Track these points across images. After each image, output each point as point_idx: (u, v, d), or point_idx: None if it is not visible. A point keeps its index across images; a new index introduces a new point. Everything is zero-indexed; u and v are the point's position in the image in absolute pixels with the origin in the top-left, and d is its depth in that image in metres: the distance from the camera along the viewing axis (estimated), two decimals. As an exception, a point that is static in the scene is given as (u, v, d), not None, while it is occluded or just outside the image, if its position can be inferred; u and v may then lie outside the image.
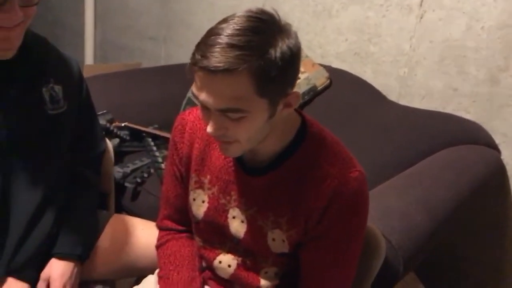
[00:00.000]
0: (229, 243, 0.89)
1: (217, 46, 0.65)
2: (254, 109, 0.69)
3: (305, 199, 0.79)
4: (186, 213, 0.94)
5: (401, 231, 1.00)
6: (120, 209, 1.47)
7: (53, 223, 0.98)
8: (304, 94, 1.70)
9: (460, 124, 1.49)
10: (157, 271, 0.97)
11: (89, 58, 2.89)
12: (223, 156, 0.85)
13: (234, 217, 0.86)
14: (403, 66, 1.69)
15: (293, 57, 0.69)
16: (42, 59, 0.97)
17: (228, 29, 0.66)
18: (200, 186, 0.89)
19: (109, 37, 2.90)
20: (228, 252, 0.90)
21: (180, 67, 2.03)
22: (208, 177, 0.87)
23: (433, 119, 1.50)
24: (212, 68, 0.65)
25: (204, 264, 0.95)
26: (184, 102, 1.91)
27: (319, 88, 1.71)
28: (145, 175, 1.55)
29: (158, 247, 0.98)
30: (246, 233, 0.85)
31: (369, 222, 0.84)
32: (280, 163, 0.81)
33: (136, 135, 1.73)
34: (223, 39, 0.65)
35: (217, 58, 0.64)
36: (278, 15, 0.71)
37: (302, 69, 1.73)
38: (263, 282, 0.88)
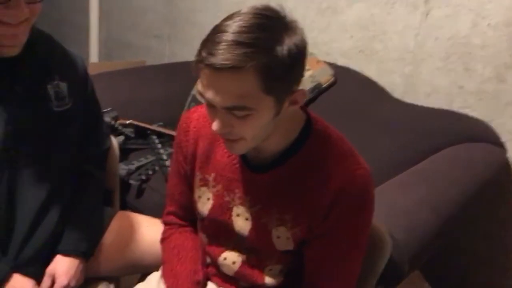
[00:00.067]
0: (234, 240, 0.89)
1: (223, 44, 0.65)
2: (260, 107, 0.69)
3: (310, 196, 0.79)
4: (191, 210, 0.94)
5: (406, 229, 1.00)
6: (124, 206, 1.47)
7: (58, 220, 0.98)
8: (308, 91, 1.69)
9: (466, 122, 1.48)
10: (161, 268, 0.98)
11: (94, 55, 2.89)
12: (227, 154, 0.85)
13: (238, 215, 0.86)
14: (408, 63, 1.68)
15: (300, 54, 0.69)
16: (47, 56, 0.98)
17: (234, 26, 0.66)
18: (205, 184, 0.89)
19: (114, 35, 2.91)
20: (233, 249, 0.90)
21: (184, 64, 2.03)
22: (213, 175, 0.87)
23: (438, 116, 1.49)
24: (219, 66, 0.64)
25: (209, 260, 0.95)
26: (189, 99, 1.91)
27: (323, 86, 1.71)
28: (150, 172, 1.55)
29: (162, 240, 0.99)
30: (251, 230, 0.85)
31: (374, 220, 0.84)
32: (285, 160, 0.80)
33: (141, 133, 1.74)
34: (229, 37, 0.65)
35: (223, 55, 0.64)
36: (284, 11, 0.70)
37: (306, 66, 1.71)
38: (267, 279, 0.88)
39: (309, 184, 0.79)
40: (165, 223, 1.00)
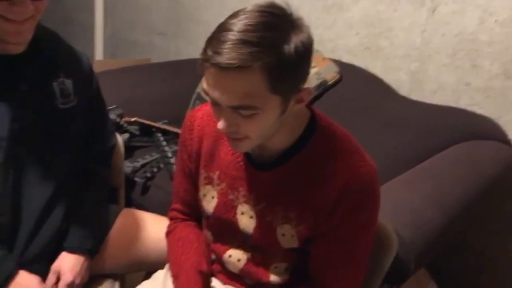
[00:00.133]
0: (239, 238, 0.88)
1: (229, 43, 0.64)
2: (267, 106, 0.68)
3: (315, 193, 0.79)
4: (195, 208, 0.95)
5: (412, 227, 0.99)
6: (129, 204, 1.48)
7: (63, 217, 0.99)
8: (314, 88, 1.68)
9: (472, 119, 1.47)
10: (167, 266, 0.98)
11: (99, 53, 2.90)
12: (231, 152, 0.85)
13: (243, 213, 0.86)
14: (414, 60, 1.67)
15: (306, 52, 0.69)
16: (53, 53, 0.98)
17: (240, 24, 0.65)
18: (210, 182, 0.89)
19: (118, 33, 2.91)
20: (237, 247, 0.90)
21: (189, 62, 2.03)
22: (217, 173, 0.87)
23: (445, 114, 1.48)
24: (225, 65, 0.64)
25: (214, 257, 0.95)
26: (194, 97, 1.91)
27: (329, 83, 1.70)
28: (155, 170, 1.55)
29: (167, 234, 0.99)
30: (255, 228, 0.85)
31: (380, 217, 0.84)
32: (289, 158, 0.80)
33: (146, 130, 1.74)
34: (235, 35, 0.64)
35: (229, 54, 0.63)
36: (290, 8, 0.69)
37: (312, 63, 1.71)
38: (272, 277, 0.88)
39: (314, 181, 0.79)
40: (170, 218, 1.01)
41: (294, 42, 0.66)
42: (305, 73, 0.72)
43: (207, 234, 0.94)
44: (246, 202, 0.85)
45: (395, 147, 1.40)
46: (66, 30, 3.06)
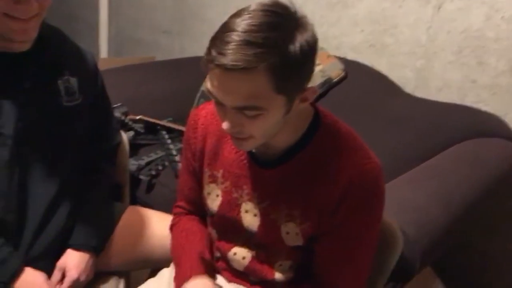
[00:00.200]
0: (243, 237, 0.88)
1: (234, 43, 0.63)
2: (271, 106, 0.68)
3: (319, 191, 0.78)
4: (200, 206, 0.95)
5: (417, 225, 0.99)
6: (134, 201, 1.48)
7: (68, 215, 0.99)
8: (318, 86, 1.68)
9: (478, 117, 1.46)
10: (172, 264, 0.98)
11: (103, 51, 2.91)
12: (235, 150, 0.85)
13: (247, 211, 0.86)
14: (420, 57, 1.66)
15: (311, 51, 0.68)
16: (58, 51, 0.98)
17: (244, 24, 0.64)
18: (214, 180, 0.89)
19: (123, 31, 2.92)
20: (242, 245, 0.89)
21: (194, 60, 2.03)
22: (221, 171, 0.87)
23: (450, 111, 1.47)
24: (230, 67, 0.63)
25: (218, 254, 0.95)
26: (198, 95, 1.91)
27: (334, 80, 1.69)
28: (160, 167, 1.56)
29: (171, 227, 0.99)
30: (260, 226, 0.85)
31: (385, 216, 0.83)
32: (293, 156, 0.80)
33: (151, 128, 1.74)
34: (239, 36, 0.63)
35: (234, 55, 0.63)
36: (294, 6, 0.69)
37: (317, 61, 1.70)
38: (277, 275, 0.88)
39: (318, 179, 0.78)
40: (174, 214, 1.01)
41: (299, 41, 0.65)
42: (310, 72, 0.71)
43: (212, 232, 0.94)
44: (250, 200, 0.85)
45: (401, 144, 1.40)
46: (71, 28, 3.07)
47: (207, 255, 0.92)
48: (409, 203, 1.04)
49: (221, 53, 0.64)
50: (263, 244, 0.87)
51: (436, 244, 1.01)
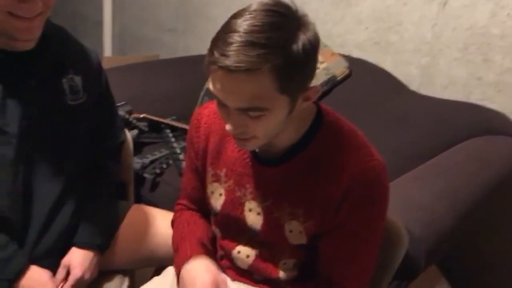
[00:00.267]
0: (247, 235, 0.88)
1: (236, 45, 0.63)
2: (275, 106, 0.68)
3: (322, 189, 0.78)
4: (202, 205, 0.95)
5: (422, 224, 0.98)
6: (139, 200, 1.48)
7: (73, 213, 0.99)
8: (322, 84, 1.67)
9: (484, 114, 1.45)
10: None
11: (107, 50, 2.91)
12: (237, 149, 0.85)
13: (250, 210, 0.86)
14: (425, 55, 1.65)
15: (313, 50, 0.68)
16: (62, 50, 0.98)
17: (246, 25, 0.64)
18: (217, 179, 0.89)
19: (127, 29, 2.92)
20: (246, 243, 0.89)
21: (198, 58, 2.01)
22: (224, 170, 0.87)
23: (456, 108, 1.46)
24: (233, 68, 0.63)
25: (222, 253, 0.95)
26: (202, 93, 1.91)
27: (338, 78, 1.69)
28: (164, 166, 1.56)
29: (173, 222, 0.99)
30: (263, 225, 0.85)
31: (390, 214, 0.83)
32: (296, 154, 0.80)
33: (155, 127, 1.74)
34: (242, 37, 0.63)
35: (237, 57, 0.62)
36: (295, 5, 0.68)
37: (321, 59, 1.70)
38: (281, 273, 0.88)
39: (321, 177, 0.78)
40: (176, 211, 1.01)
41: (301, 41, 0.65)
42: (313, 71, 0.71)
43: (216, 231, 0.94)
44: (253, 199, 0.85)
45: (406, 143, 1.39)
46: (74, 26, 3.09)
47: (206, 241, 0.92)
48: (414, 201, 1.04)
49: (224, 55, 0.63)
50: (267, 243, 0.87)
51: (441, 243, 1.01)
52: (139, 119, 1.72)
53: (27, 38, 0.87)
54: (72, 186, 0.99)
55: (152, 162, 1.57)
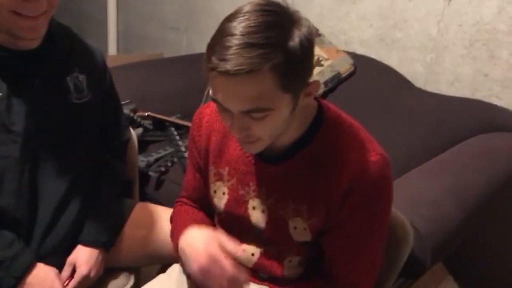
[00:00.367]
0: (252, 233, 0.88)
1: (235, 48, 0.62)
2: (278, 105, 0.68)
3: (325, 185, 0.78)
4: (203, 204, 0.95)
5: (430, 220, 0.98)
6: (144, 198, 1.49)
7: (78, 211, 1.00)
8: (327, 81, 1.67)
9: (490, 111, 1.44)
10: None
11: (112, 48, 2.92)
12: (239, 147, 0.85)
13: (254, 208, 0.85)
14: (430, 51, 1.64)
15: (310, 45, 0.68)
16: (67, 48, 0.98)
17: (241, 27, 0.64)
18: (220, 178, 0.88)
19: (131, 28, 2.92)
20: (251, 242, 0.89)
21: (202, 56, 2.01)
22: (227, 168, 0.87)
23: (462, 105, 1.46)
24: (234, 72, 0.62)
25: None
26: (206, 91, 1.91)
27: (343, 75, 1.68)
28: (169, 164, 1.56)
29: (172, 217, 0.98)
30: (267, 223, 0.85)
31: (397, 210, 0.82)
32: (298, 151, 0.79)
33: (159, 125, 1.74)
34: (239, 39, 0.63)
35: (237, 60, 0.62)
36: (285, 2, 0.69)
37: (326, 56, 1.70)
38: (286, 271, 0.88)
39: (324, 173, 0.78)
40: (175, 207, 1.01)
41: (298, 37, 0.65)
42: (311, 65, 0.71)
43: (220, 230, 0.94)
44: (256, 196, 0.85)
45: (411, 139, 1.38)
46: (79, 25, 3.09)
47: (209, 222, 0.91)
48: (421, 198, 1.03)
49: (223, 59, 0.63)
50: (272, 240, 0.86)
51: (448, 240, 1.00)
52: (143, 117, 1.72)
53: (32, 37, 0.87)
54: (77, 184, 0.99)
55: (157, 160, 1.57)
